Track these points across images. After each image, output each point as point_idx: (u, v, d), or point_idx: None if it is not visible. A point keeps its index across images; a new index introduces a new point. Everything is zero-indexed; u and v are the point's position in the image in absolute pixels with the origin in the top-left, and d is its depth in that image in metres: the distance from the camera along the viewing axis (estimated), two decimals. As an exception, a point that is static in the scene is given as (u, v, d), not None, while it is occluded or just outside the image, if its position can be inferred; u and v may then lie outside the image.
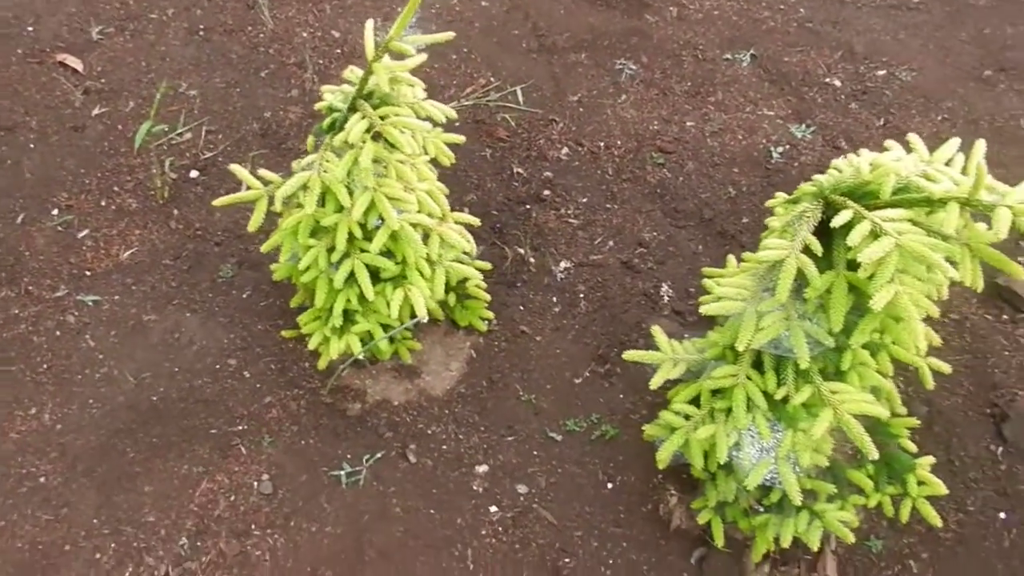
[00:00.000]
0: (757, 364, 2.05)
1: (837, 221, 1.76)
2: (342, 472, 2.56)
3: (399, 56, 2.28)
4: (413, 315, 2.39)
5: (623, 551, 2.40)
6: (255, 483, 2.54)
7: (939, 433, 2.61)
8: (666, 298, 3.04)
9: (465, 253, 2.66)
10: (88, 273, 3.17)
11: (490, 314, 2.89)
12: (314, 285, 2.45)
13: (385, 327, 2.51)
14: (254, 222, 2.39)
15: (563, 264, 3.15)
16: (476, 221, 2.59)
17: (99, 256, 3.24)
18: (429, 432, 2.66)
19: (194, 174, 3.50)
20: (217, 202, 2.41)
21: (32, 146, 3.57)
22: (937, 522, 2.15)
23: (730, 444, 2.04)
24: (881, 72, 3.77)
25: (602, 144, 3.57)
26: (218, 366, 2.85)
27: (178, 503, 2.49)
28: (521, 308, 3.02)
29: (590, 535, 2.43)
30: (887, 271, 1.67)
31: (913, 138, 2.01)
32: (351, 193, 2.31)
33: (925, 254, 1.63)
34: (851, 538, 2.11)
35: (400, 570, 2.36)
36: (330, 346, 2.48)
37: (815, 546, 2.12)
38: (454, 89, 3.82)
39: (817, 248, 1.81)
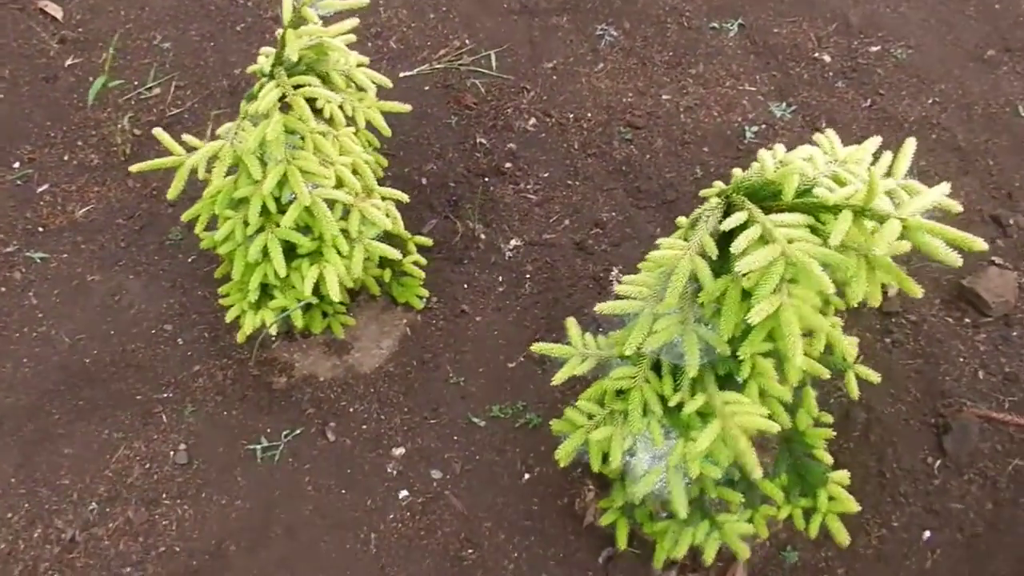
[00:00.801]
0: (657, 367, 1.95)
1: (729, 223, 1.64)
2: (259, 447, 2.54)
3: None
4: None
5: (530, 545, 2.35)
6: (171, 452, 2.53)
7: (875, 442, 2.48)
8: (615, 283, 2.92)
9: (389, 235, 2.58)
10: (41, 229, 3.17)
11: (425, 292, 2.82)
12: (232, 257, 2.40)
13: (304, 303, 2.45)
14: (173, 190, 2.33)
15: (513, 242, 3.05)
16: (403, 197, 2.50)
17: (55, 212, 3.23)
18: (351, 410, 2.62)
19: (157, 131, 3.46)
20: (133, 168, 2.36)
21: (1, 96, 3.55)
22: (845, 540, 2.05)
23: (625, 448, 1.95)
24: (875, 48, 3.54)
25: (571, 116, 3.43)
26: (153, 331, 2.84)
27: (94, 467, 2.50)
28: (465, 286, 2.94)
29: (499, 526, 2.38)
30: (771, 281, 1.55)
31: (828, 135, 1.85)
32: (264, 165, 2.23)
33: (805, 264, 1.50)
34: (746, 554, 2.02)
35: (303, 548, 2.34)
36: (246, 319, 2.44)
37: (708, 559, 2.04)
38: (427, 51, 3.70)
39: (712, 250, 1.69)
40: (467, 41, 3.71)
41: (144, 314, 2.87)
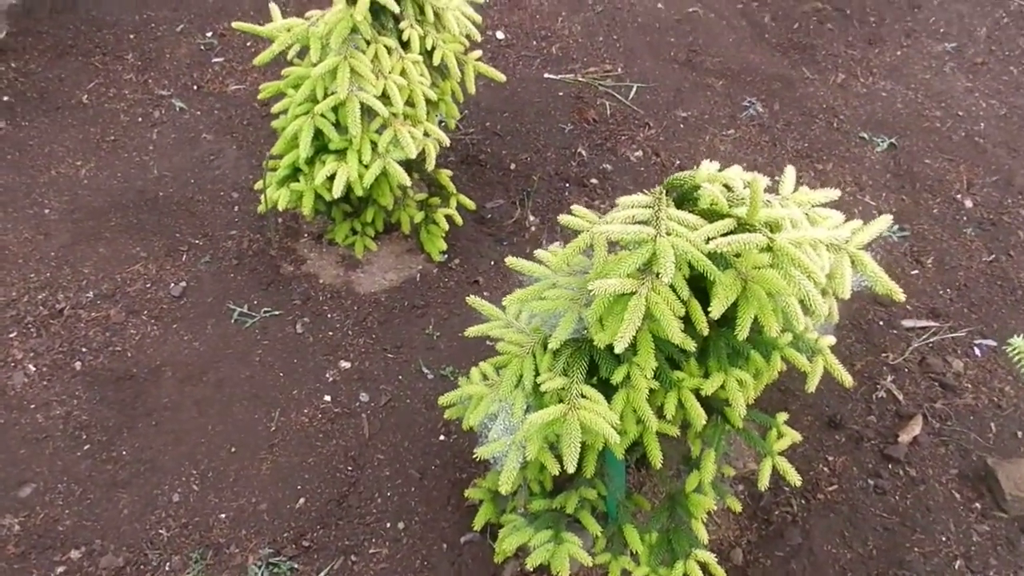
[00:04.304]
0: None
1: (631, 201, 1.59)
2: (238, 310, 2.73)
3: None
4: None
5: (407, 494, 2.33)
6: (172, 284, 2.79)
7: (793, 571, 2.21)
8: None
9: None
10: (195, 88, 3.63)
11: (444, 245, 2.90)
12: (281, 131, 2.62)
13: (321, 199, 2.62)
14: (261, 56, 2.58)
15: (557, 244, 3.06)
16: (444, 138, 2.61)
17: (215, 81, 3.69)
18: (329, 316, 2.75)
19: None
20: (235, 24, 2.62)
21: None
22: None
23: (489, 412, 1.91)
24: (1027, 212, 3.20)
25: (677, 162, 3.39)
26: (222, 192, 3.15)
27: (110, 268, 2.81)
28: (492, 263, 2.99)
29: (389, 464, 2.39)
30: (633, 261, 1.49)
31: (787, 170, 1.74)
32: (326, 55, 2.44)
33: (662, 252, 1.43)
34: (566, 575, 1.88)
35: (220, 400, 2.49)
36: (267, 195, 2.65)
37: (531, 566, 1.92)
38: (580, 64, 3.83)
39: (613, 232, 1.65)
40: (619, 69, 3.80)
41: (224, 178, 3.20)
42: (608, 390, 1.81)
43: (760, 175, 1.73)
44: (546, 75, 3.75)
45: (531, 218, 3.16)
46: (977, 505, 2.39)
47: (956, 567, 2.26)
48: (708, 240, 1.45)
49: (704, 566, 1.95)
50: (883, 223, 1.70)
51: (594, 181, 3.31)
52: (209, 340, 2.65)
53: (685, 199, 1.68)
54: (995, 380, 2.69)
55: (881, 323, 2.81)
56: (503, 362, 1.99)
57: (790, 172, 1.75)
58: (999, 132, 3.51)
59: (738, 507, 2.09)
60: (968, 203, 3.24)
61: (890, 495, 2.39)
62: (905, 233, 3.13)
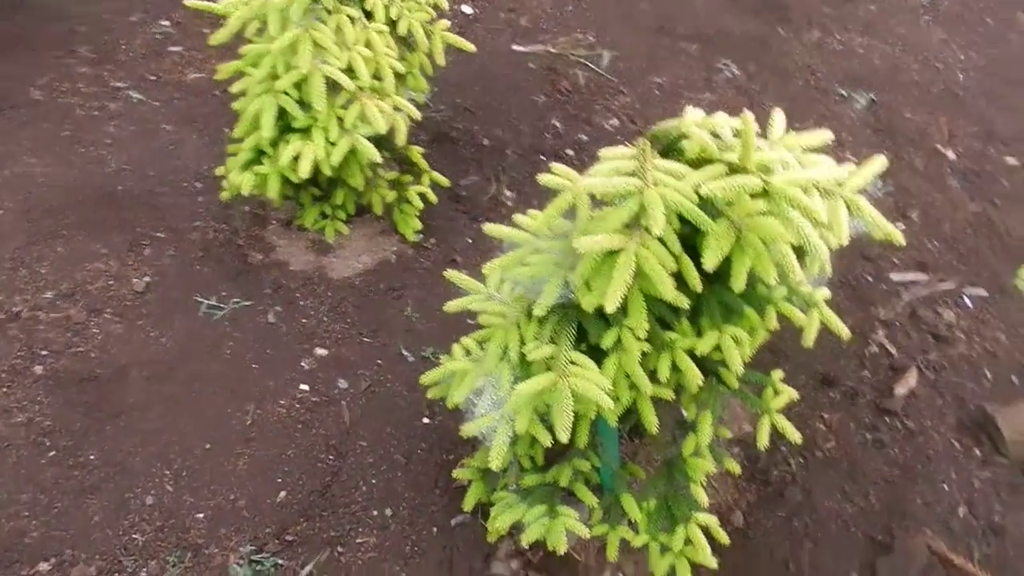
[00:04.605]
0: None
1: (609, 153, 1.50)
2: (206, 302, 2.61)
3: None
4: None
5: (392, 480, 2.23)
6: (135, 280, 2.66)
7: (797, 531, 2.14)
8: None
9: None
10: (153, 79, 3.49)
11: (419, 225, 2.80)
12: (242, 112, 2.51)
13: (288, 182, 2.50)
14: (216, 36, 2.46)
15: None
16: (415, 112, 2.51)
17: (172, 72, 3.56)
18: (302, 303, 2.64)
19: None
20: (187, 2, 2.48)
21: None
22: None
23: (475, 387, 1.82)
24: (1011, 161, 3.14)
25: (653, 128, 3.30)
26: (184, 183, 3.03)
27: (69, 267, 2.68)
28: (469, 240, 2.89)
29: (372, 451, 2.29)
30: (619, 216, 1.40)
31: (774, 113, 1.65)
32: (286, 28, 2.32)
33: (651, 203, 1.34)
34: (563, 548, 1.80)
35: (191, 397, 2.37)
36: (229, 180, 2.53)
37: (525, 542, 1.84)
38: (550, 35, 3.73)
39: (598, 188, 1.55)
40: (591, 37, 3.71)
41: (185, 168, 3.07)
42: (598, 356, 1.72)
43: (751, 115, 1.65)
44: (516, 48, 3.65)
45: (507, 193, 3.07)
46: (977, 452, 2.33)
47: (960, 514, 2.20)
48: (699, 187, 1.36)
49: (706, 529, 1.87)
50: (878, 165, 1.62)
51: (570, 152, 3.22)
52: (177, 335, 2.53)
53: (670, 150, 1.59)
54: (987, 329, 2.64)
55: (870, 278, 2.74)
56: (486, 336, 1.90)
57: (779, 115, 1.66)
58: (978, 83, 3.45)
59: (737, 469, 2.01)
60: (951, 155, 3.18)
61: (889, 448, 2.33)
62: (889, 188, 3.06)
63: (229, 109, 3.25)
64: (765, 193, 1.33)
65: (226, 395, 2.38)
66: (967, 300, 2.69)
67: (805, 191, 1.53)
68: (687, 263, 1.51)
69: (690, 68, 3.55)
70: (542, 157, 3.19)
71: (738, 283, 1.47)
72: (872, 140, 3.24)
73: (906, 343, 2.56)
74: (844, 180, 1.53)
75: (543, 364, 1.69)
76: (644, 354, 1.66)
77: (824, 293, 1.82)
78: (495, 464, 1.71)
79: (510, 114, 3.36)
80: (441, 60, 2.67)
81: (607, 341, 1.66)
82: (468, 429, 1.78)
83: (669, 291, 1.46)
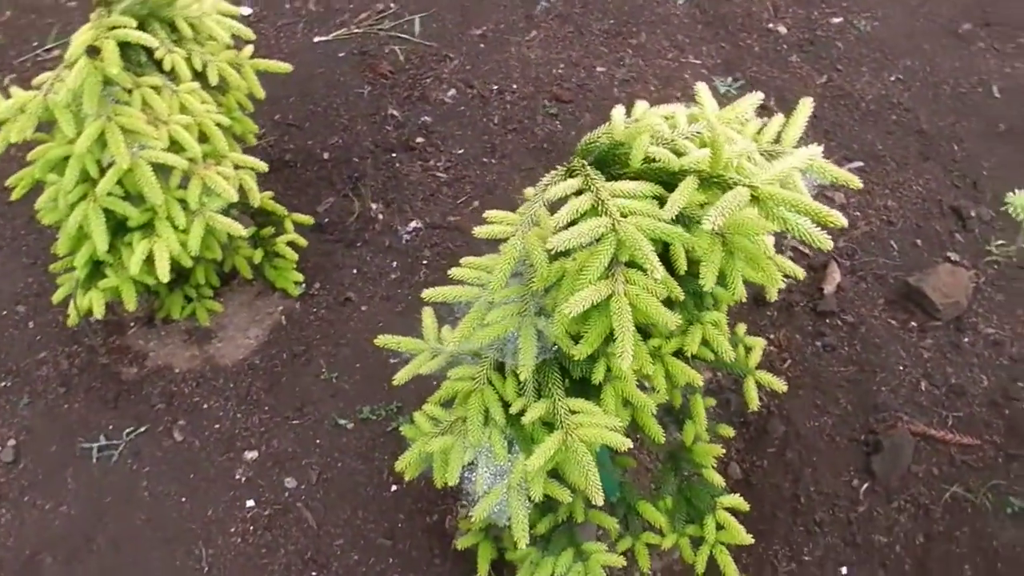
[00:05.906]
0: (503, 367, 1.63)
1: (557, 191, 1.33)
2: (95, 445, 2.24)
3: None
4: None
5: (386, 569, 2.04)
6: (-2, 448, 2.25)
7: (792, 461, 2.16)
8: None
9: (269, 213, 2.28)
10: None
11: (299, 276, 2.52)
12: (59, 228, 2.10)
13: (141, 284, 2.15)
14: (-9, 153, 2.04)
15: (413, 224, 2.74)
16: (261, 166, 2.19)
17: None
18: (205, 407, 2.32)
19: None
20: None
21: None
22: (732, 578, 1.74)
23: (465, 462, 1.64)
24: (837, 19, 3.20)
25: (495, 87, 3.11)
26: (5, 312, 2.56)
27: (-92, 464, 2.22)
28: (354, 271, 2.63)
29: (353, 545, 2.08)
30: (599, 262, 1.24)
31: (699, 88, 1.53)
32: (81, 122, 1.93)
33: (635, 241, 1.19)
34: (609, 589, 1.71)
35: (126, 564, 2.05)
36: (76, 301, 2.14)
37: (569, 594, 1.73)
38: (348, 15, 3.40)
39: (547, 225, 1.38)
40: (391, 4, 3.41)
41: (0, 294, 2.60)
42: (585, 388, 1.60)
43: (679, 107, 1.52)
44: (318, 39, 3.30)
45: (373, 206, 2.80)
46: (913, 324, 2.42)
47: (922, 388, 2.29)
48: (680, 213, 1.22)
49: (733, 510, 1.82)
50: (806, 109, 1.56)
51: (420, 140, 2.98)
52: (78, 497, 2.16)
53: (607, 162, 1.43)
54: (876, 199, 2.72)
55: (760, 182, 2.74)
56: (454, 398, 1.72)
57: (703, 89, 1.53)
58: (779, -52, 3.46)
59: (731, 432, 1.97)
60: (782, 29, 3.20)
61: (839, 348, 2.37)
62: (740, 82, 3.05)
63: (19, 214, 2.77)
64: (755, 199, 1.21)
65: (164, 547, 2.07)
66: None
67: (751, 160, 1.44)
68: (672, 283, 1.38)
69: (506, 10, 3.35)
70: (393, 154, 2.93)
71: (708, 282, 1.36)
72: (706, 35, 3.20)
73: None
74: (796, 144, 1.44)
75: (538, 421, 1.55)
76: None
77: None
78: (523, 542, 1.57)
79: (340, 116, 3.06)
80: (260, 93, 2.34)
81: (597, 375, 1.53)
82: (479, 512, 1.62)
83: (665, 317, 1.33)
